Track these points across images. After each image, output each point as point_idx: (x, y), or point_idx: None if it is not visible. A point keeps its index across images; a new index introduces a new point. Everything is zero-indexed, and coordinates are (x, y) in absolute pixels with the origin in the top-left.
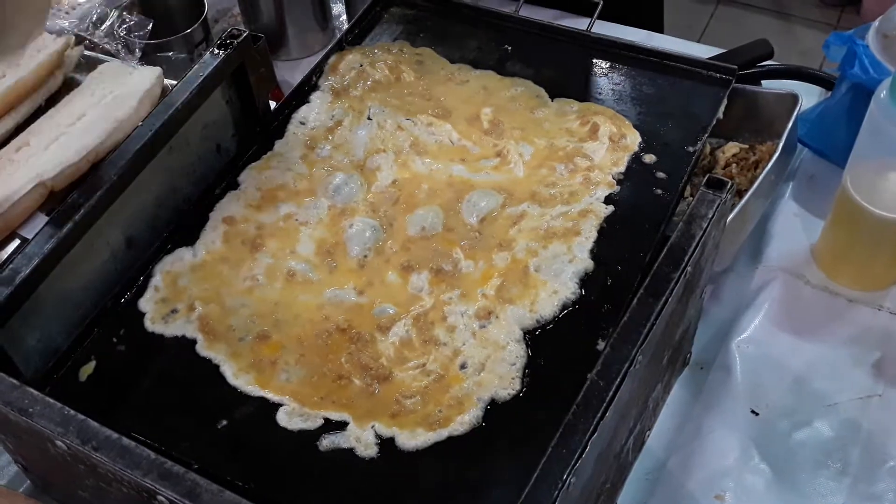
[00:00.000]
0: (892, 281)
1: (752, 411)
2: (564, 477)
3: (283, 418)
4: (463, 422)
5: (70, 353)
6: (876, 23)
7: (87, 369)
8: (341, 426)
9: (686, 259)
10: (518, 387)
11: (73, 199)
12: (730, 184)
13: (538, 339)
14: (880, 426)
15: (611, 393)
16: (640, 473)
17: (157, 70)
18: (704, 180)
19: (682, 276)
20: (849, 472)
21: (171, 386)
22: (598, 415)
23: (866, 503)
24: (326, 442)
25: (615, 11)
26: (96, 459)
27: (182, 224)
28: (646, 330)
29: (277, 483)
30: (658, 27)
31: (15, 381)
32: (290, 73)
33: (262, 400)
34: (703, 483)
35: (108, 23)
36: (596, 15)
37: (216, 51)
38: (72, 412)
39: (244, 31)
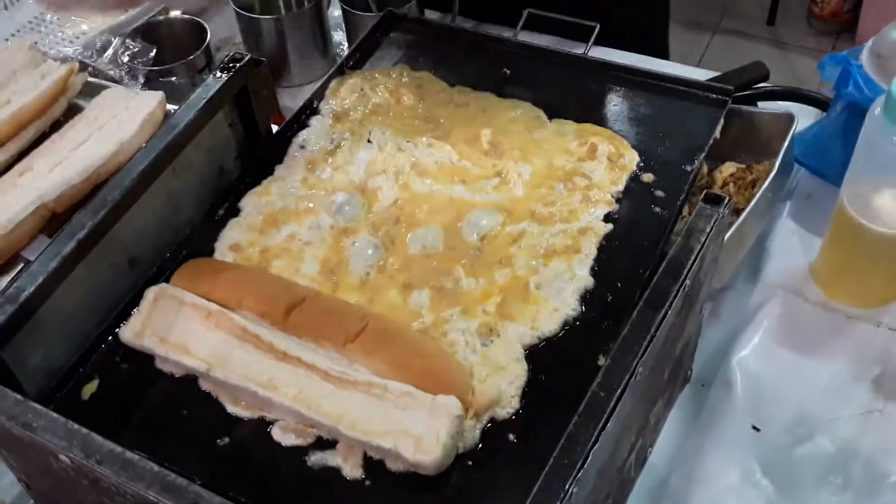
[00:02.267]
0: (891, 297)
1: (754, 427)
2: (566, 487)
3: (277, 433)
4: None
5: (73, 371)
6: (869, 43)
7: (90, 388)
8: (331, 444)
9: (685, 272)
10: (517, 405)
11: (76, 218)
12: (727, 199)
13: (539, 355)
14: (881, 442)
15: (612, 403)
16: (642, 489)
17: (160, 94)
18: (702, 196)
19: (682, 288)
20: (850, 487)
21: (172, 405)
22: (600, 425)
23: None
24: (315, 459)
25: (620, 39)
26: (99, 473)
27: (190, 256)
28: (646, 342)
29: (271, 499)
30: (664, 54)
31: (19, 397)
32: (292, 100)
33: (260, 419)
34: (706, 499)
35: (111, 50)
36: (593, 39)
37: (219, 74)
38: (75, 426)
39: (246, 55)
